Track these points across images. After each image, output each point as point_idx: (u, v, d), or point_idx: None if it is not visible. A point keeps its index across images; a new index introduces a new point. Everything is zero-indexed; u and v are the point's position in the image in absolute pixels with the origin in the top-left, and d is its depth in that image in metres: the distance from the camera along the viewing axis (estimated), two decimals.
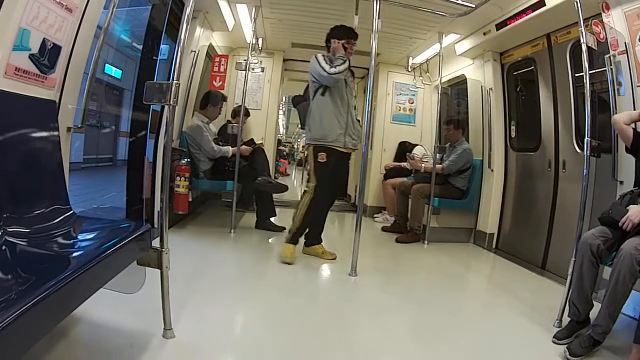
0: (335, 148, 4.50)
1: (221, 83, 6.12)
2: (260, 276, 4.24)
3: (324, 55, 4.45)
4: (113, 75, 13.00)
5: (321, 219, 4.83)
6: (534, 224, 5.39)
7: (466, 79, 6.72)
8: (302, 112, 4.89)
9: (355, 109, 4.67)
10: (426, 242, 5.95)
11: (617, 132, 3.45)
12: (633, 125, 3.23)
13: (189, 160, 5.30)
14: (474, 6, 4.53)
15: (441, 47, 6.14)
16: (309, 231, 4.79)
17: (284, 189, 6.02)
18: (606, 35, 3.85)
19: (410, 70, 7.76)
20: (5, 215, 2.05)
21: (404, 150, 7.65)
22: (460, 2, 4.48)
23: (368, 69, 4.59)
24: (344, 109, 4.52)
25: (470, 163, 6.14)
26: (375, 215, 7.69)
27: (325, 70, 4.30)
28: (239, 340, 2.83)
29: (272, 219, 5.98)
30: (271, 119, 8.00)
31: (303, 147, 27.03)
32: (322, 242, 4.82)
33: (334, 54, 4.49)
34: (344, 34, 4.53)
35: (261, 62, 7.45)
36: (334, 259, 4.68)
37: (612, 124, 3.34)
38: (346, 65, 4.36)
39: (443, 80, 6.43)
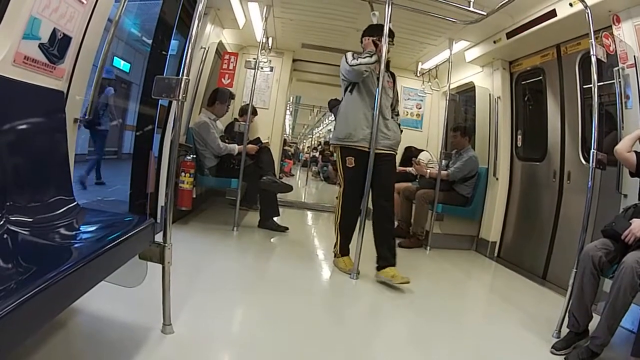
0: (362, 149, 4.31)
1: (229, 80, 6.12)
2: (261, 275, 4.25)
3: (352, 53, 4.38)
4: (121, 68, 13.00)
5: (351, 227, 4.54)
6: (537, 233, 5.38)
7: (474, 86, 6.71)
8: (336, 115, 4.72)
9: (397, 113, 4.62)
10: (428, 247, 5.95)
11: (620, 162, 3.44)
12: (637, 146, 3.21)
13: (195, 156, 5.31)
14: (485, 14, 4.52)
15: (451, 53, 6.13)
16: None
17: (288, 188, 6.03)
18: (615, 47, 3.85)
19: (418, 75, 7.77)
20: (8, 204, 2.05)
21: (410, 155, 7.61)
22: (471, 9, 4.47)
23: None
24: (381, 110, 4.31)
25: (475, 170, 6.13)
26: None
27: (347, 63, 4.24)
28: (237, 338, 2.84)
29: (275, 219, 5.95)
30: (278, 119, 8.01)
31: (308, 147, 27.17)
32: (349, 253, 4.54)
33: (364, 51, 4.42)
34: (375, 30, 4.44)
35: (270, 61, 7.44)
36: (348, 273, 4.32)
37: (614, 155, 3.31)
38: (372, 58, 4.25)
39: (451, 87, 6.42)
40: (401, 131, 4.63)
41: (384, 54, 4.22)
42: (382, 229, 4.39)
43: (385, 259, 4.25)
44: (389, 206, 4.46)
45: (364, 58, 4.24)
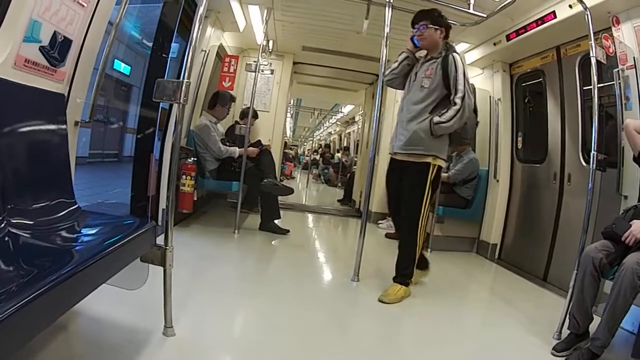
0: (393, 156, 4.03)
1: (230, 83, 6.12)
2: (262, 278, 4.25)
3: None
4: (121, 71, 13.02)
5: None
6: (537, 235, 5.38)
7: (474, 89, 6.68)
8: None
9: (454, 103, 3.78)
10: (429, 250, 5.92)
11: (626, 136, 3.35)
12: None
13: (195, 159, 5.31)
14: (485, 16, 4.51)
15: None
16: None
17: (289, 191, 6.03)
18: (615, 49, 3.85)
19: None
20: (9, 206, 2.05)
21: None
22: (471, 11, 4.46)
23: (377, 75, 4.56)
24: (405, 107, 3.94)
25: (475, 172, 6.13)
26: (379, 221, 7.61)
27: None
28: (239, 340, 2.84)
29: (276, 221, 5.96)
30: (278, 121, 8.02)
31: (309, 150, 27.17)
32: (427, 267, 4.39)
33: None
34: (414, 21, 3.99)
35: (271, 64, 7.45)
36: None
37: (623, 127, 3.30)
38: (399, 58, 4.02)
39: None
40: (441, 122, 3.72)
41: (383, 60, 4.14)
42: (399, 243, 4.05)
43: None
44: (405, 221, 3.95)
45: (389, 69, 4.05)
